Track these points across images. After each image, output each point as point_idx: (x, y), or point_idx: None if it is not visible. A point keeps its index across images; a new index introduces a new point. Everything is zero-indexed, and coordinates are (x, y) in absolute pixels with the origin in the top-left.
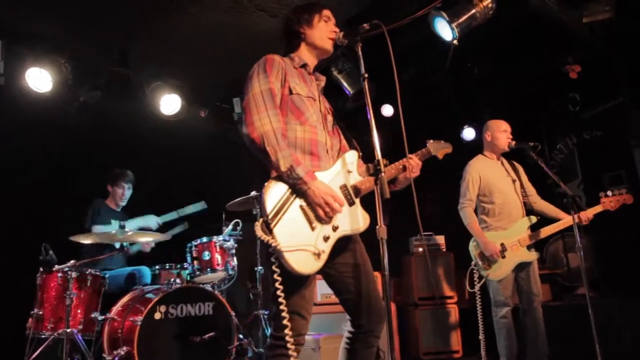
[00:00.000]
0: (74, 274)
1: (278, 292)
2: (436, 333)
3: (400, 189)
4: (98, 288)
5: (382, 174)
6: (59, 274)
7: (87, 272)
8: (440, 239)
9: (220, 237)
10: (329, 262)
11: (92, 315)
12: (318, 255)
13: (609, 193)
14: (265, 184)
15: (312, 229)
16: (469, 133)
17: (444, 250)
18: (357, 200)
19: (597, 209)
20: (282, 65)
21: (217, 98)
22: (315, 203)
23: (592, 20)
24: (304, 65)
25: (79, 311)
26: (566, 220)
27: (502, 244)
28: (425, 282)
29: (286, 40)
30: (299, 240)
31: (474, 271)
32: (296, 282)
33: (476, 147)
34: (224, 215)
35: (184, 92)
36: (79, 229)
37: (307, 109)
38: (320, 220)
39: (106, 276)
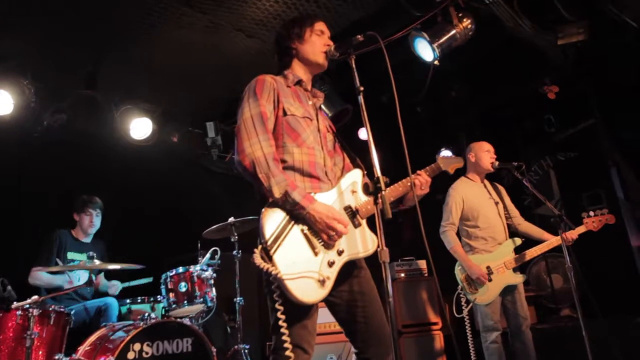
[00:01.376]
0: (35, 312)
1: (280, 323)
2: None
3: (409, 208)
4: (63, 326)
5: (383, 192)
6: (19, 312)
7: (50, 309)
8: (422, 264)
9: (198, 267)
10: (333, 289)
11: (56, 357)
12: (322, 282)
13: (591, 214)
14: (263, 210)
15: (316, 254)
16: (445, 155)
17: (426, 275)
18: (364, 222)
19: (581, 229)
20: (273, 86)
21: (189, 122)
22: (316, 227)
23: (566, 43)
24: (299, 82)
25: (40, 353)
26: (552, 241)
27: (488, 267)
28: (409, 309)
29: (278, 57)
30: (302, 267)
31: (461, 296)
32: (299, 313)
33: (455, 170)
34: (199, 244)
35: (155, 116)
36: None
37: (304, 130)
38: (324, 244)
39: (71, 312)
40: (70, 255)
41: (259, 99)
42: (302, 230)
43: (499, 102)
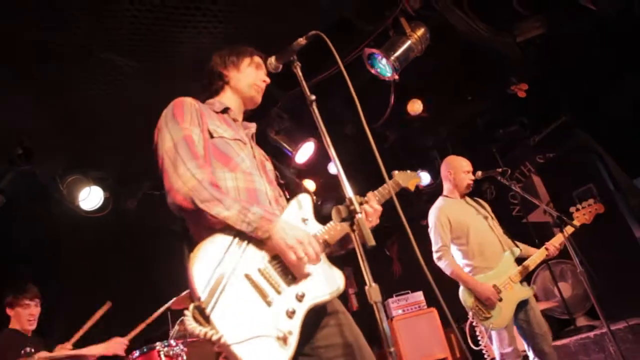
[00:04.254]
0: None
1: None
2: None
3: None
4: None
5: (359, 214)
6: None
7: None
8: (419, 296)
9: (165, 343)
10: (306, 345)
11: None
12: (284, 340)
13: (579, 207)
14: (191, 255)
15: (268, 304)
16: (423, 178)
17: (426, 307)
18: (323, 256)
19: (574, 224)
20: (195, 107)
21: (150, 185)
22: (283, 247)
23: (525, 39)
24: (226, 110)
25: None
26: (541, 251)
27: (494, 286)
28: (413, 347)
29: (207, 81)
30: (253, 325)
31: (474, 325)
32: None
33: (435, 191)
34: (169, 316)
35: (106, 183)
36: None
37: (237, 153)
38: (276, 290)
39: None
40: None
41: (179, 123)
42: (247, 276)
43: (468, 112)
